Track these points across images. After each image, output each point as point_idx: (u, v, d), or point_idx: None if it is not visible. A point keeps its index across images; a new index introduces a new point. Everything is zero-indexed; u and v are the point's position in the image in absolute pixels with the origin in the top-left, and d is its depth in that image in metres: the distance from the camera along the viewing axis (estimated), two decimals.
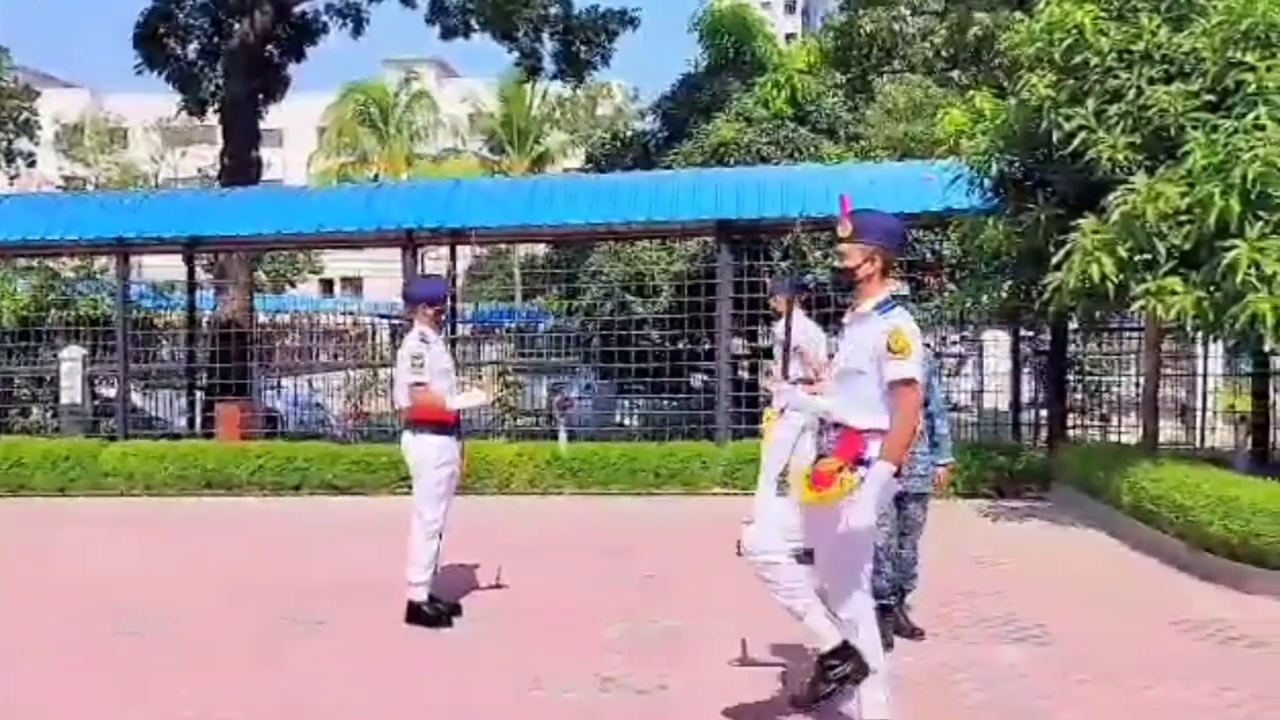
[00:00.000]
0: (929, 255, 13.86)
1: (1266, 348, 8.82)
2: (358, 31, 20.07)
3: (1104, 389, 16.06)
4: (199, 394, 15.61)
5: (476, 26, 19.15)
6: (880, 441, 4.52)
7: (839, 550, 4.67)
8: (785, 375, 5.48)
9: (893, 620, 6.27)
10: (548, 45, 18.78)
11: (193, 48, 19.73)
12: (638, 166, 16.48)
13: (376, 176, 45.36)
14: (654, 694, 5.65)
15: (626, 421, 15.75)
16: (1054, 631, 6.58)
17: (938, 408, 6.48)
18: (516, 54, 18.92)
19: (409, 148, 49.13)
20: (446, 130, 51.62)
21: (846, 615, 4.71)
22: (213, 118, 19.98)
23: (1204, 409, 15.50)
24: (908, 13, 17.95)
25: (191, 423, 15.12)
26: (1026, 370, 14.45)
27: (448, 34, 19.40)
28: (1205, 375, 14.98)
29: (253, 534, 10.46)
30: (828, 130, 15.62)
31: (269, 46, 18.89)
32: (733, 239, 12.67)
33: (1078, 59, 9.61)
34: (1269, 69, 8.71)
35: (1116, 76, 9.41)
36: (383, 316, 37.13)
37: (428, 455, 6.93)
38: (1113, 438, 14.39)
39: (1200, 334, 9.27)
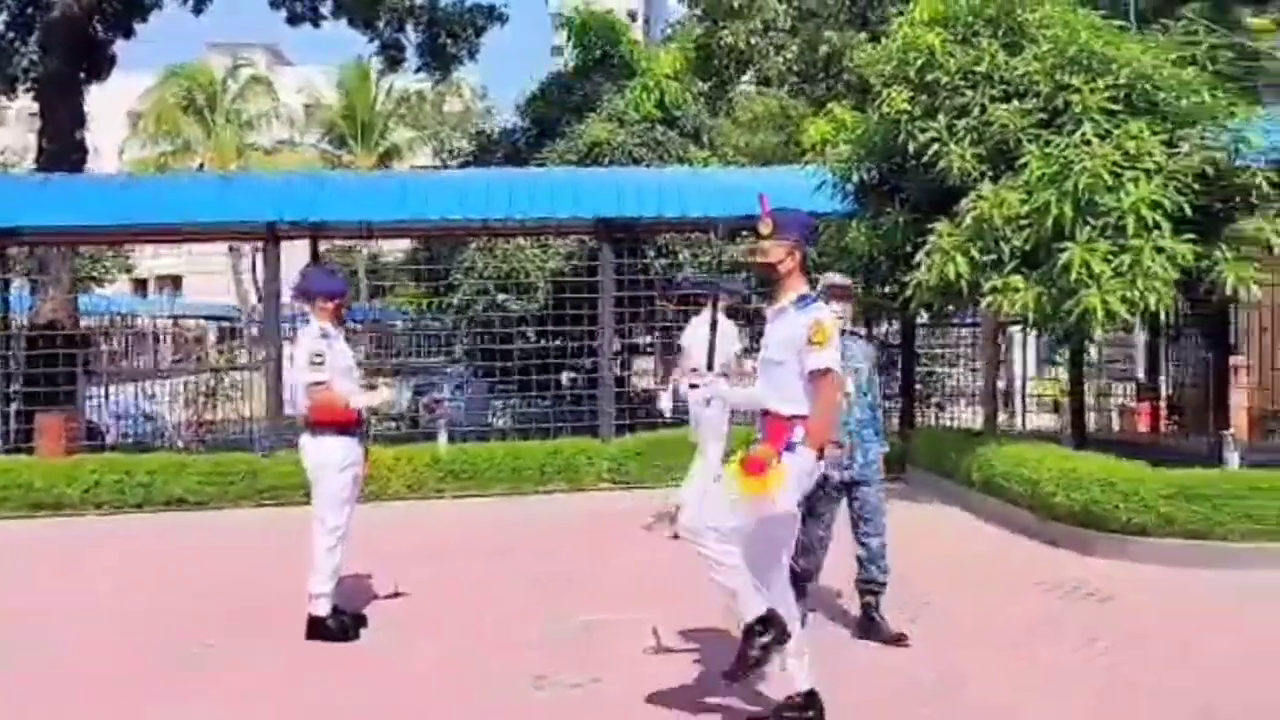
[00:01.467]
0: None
1: (1097, 337, 9.93)
2: (199, 9, 19.08)
3: (938, 380, 17.30)
4: (12, 405, 13.84)
5: (328, 14, 18.64)
6: (803, 427, 4.86)
7: (762, 532, 4.92)
8: (710, 368, 5.58)
9: (876, 628, 6.49)
10: (411, 37, 18.56)
11: (1, 19, 18.15)
12: (508, 164, 16.91)
13: (202, 166, 43.67)
14: (589, 688, 5.76)
15: (500, 422, 15.81)
16: (936, 602, 7.21)
17: (876, 399, 6.72)
18: (377, 44, 18.66)
19: (240, 138, 47.20)
20: (281, 121, 50.04)
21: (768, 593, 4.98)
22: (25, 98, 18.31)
23: (1024, 396, 17.02)
24: (761, 28, 18.88)
25: (5, 436, 13.30)
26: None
27: (294, 19, 18.81)
28: (1025, 366, 16.48)
29: (104, 558, 9.50)
30: (693, 135, 16.45)
31: (94, 20, 17.44)
32: (615, 238, 13.13)
33: (930, 77, 10.61)
34: (1091, 91, 9.84)
35: (963, 94, 10.43)
36: (212, 318, 35.76)
37: (330, 458, 6.61)
38: (947, 423, 15.66)
39: (1035, 326, 10.40)
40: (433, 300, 17.25)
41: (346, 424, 6.72)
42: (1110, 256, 9.29)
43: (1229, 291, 9.65)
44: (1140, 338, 15.34)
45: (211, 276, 48.82)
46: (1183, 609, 7.15)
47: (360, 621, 6.85)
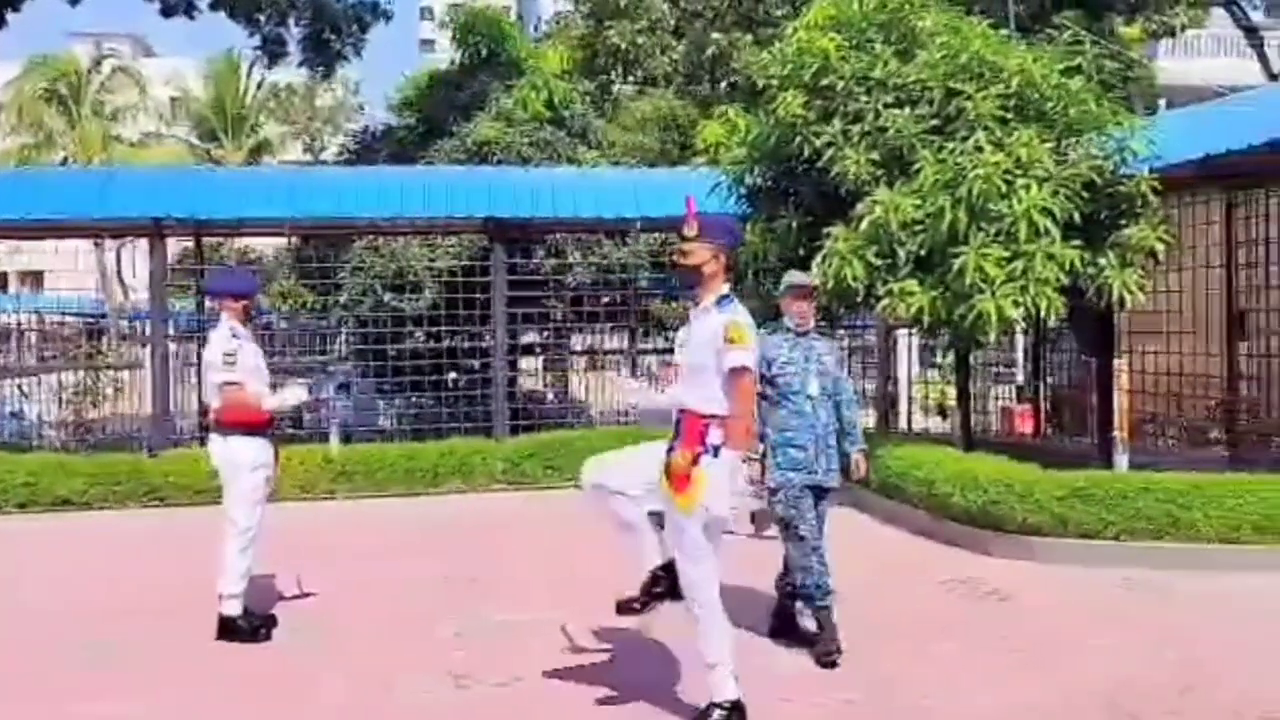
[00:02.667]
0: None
1: (991, 339, 10.10)
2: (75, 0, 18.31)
3: None
4: None
5: (204, 7, 18.18)
6: (722, 430, 4.97)
7: (685, 532, 5.01)
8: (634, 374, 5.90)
9: (795, 631, 6.45)
10: (294, 31, 18.18)
11: None
12: (393, 162, 16.64)
13: (66, 160, 42.32)
14: (513, 686, 5.81)
15: (388, 422, 15.66)
16: (845, 604, 7.26)
17: (847, 398, 6.62)
18: (259, 38, 18.28)
19: (105, 130, 45.83)
20: (148, 113, 48.59)
21: (691, 595, 5.03)
22: None
23: (910, 399, 17.32)
24: (647, 27, 18.86)
25: None
26: None
27: (169, 11, 18.27)
28: (909, 369, 16.76)
29: None
30: (581, 135, 16.34)
31: None
32: (509, 238, 13.06)
33: (824, 82, 10.67)
34: (983, 99, 10.01)
35: (858, 100, 10.49)
36: (79, 315, 34.57)
37: (241, 459, 6.62)
38: None
39: (930, 330, 10.53)
40: (317, 299, 16.82)
41: (258, 424, 6.74)
42: (1003, 262, 9.46)
43: (1115, 297, 9.90)
44: (1019, 341, 15.73)
45: (77, 275, 47.18)
46: (1080, 606, 7.32)
47: (271, 622, 6.81)
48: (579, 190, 13.30)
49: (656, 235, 14.51)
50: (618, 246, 14.51)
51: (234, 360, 6.60)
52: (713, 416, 5.00)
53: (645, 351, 16.93)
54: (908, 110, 10.31)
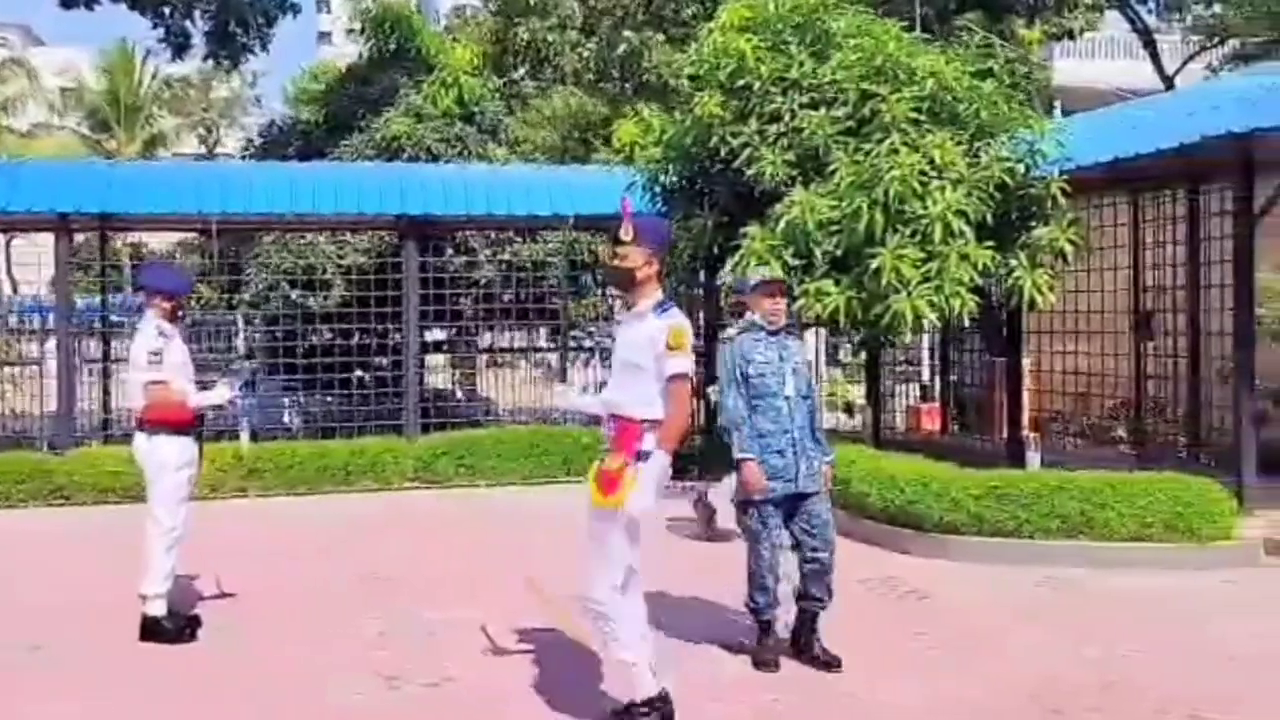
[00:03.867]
0: (587, 255, 14.71)
1: (907, 339, 10.18)
2: None
3: None
4: None
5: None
6: (656, 433, 4.95)
7: (608, 535, 4.98)
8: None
9: (810, 649, 6.15)
10: (199, 24, 17.78)
11: None
12: (301, 157, 16.28)
13: None
14: (445, 686, 5.81)
15: (292, 420, 15.39)
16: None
17: (817, 401, 6.42)
18: (162, 30, 17.83)
19: None
20: (39, 104, 47.11)
21: (598, 598, 4.98)
22: None
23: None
24: (557, 24, 18.72)
25: None
26: None
27: (69, 3, 17.78)
28: (817, 368, 16.88)
29: None
30: (491, 132, 16.14)
31: None
32: (424, 235, 12.89)
33: (741, 82, 10.66)
34: (898, 101, 10.07)
35: (774, 100, 10.48)
36: None
37: (167, 458, 6.60)
38: None
39: (845, 330, 10.57)
40: (221, 295, 16.46)
41: (183, 423, 6.71)
42: (919, 263, 9.52)
43: (1026, 298, 10.04)
44: (924, 340, 15.93)
45: None
46: (999, 604, 7.40)
47: (195, 623, 6.77)
48: (493, 187, 13.14)
49: (568, 233, 14.44)
50: (528, 244, 14.37)
51: (160, 358, 6.54)
52: (646, 421, 4.97)
53: (554, 350, 16.82)
54: (823, 111, 10.32)
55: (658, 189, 11.66)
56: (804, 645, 6.18)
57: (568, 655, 6.20)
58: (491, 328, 15.69)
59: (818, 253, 9.91)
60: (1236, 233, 9.74)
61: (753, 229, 10.18)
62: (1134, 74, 26.87)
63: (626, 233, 5.11)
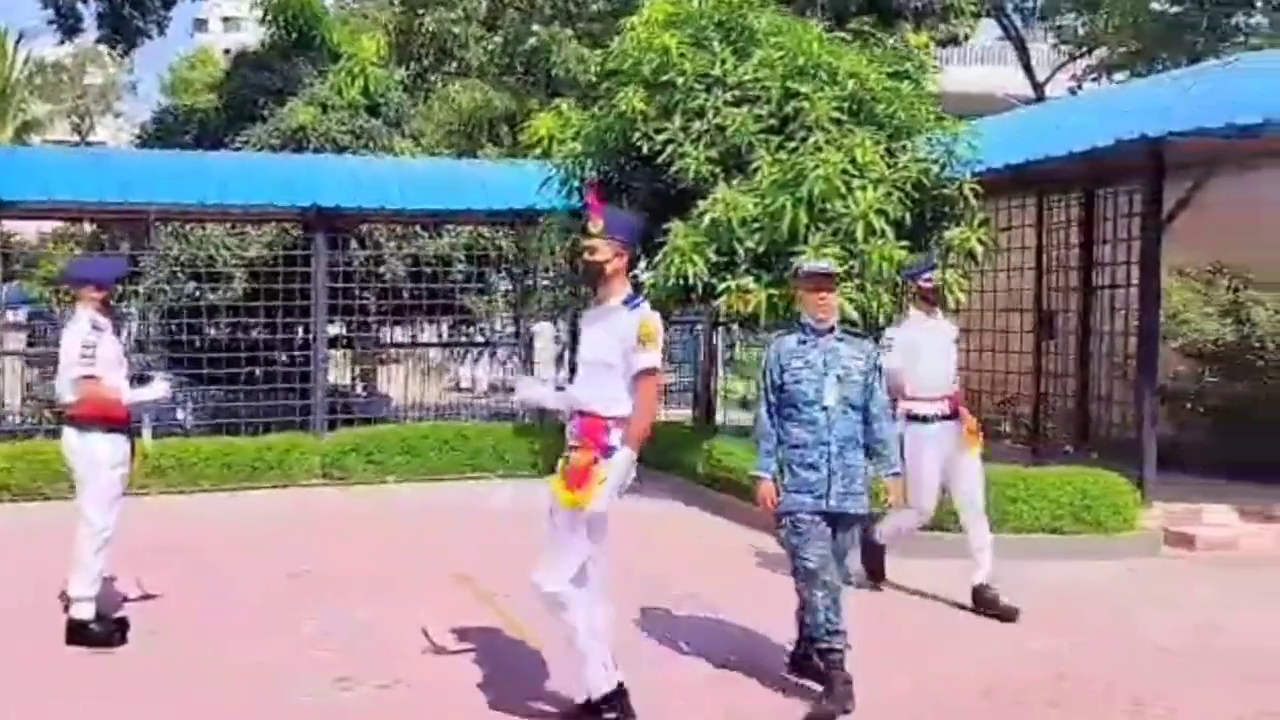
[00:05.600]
0: (491, 250, 14.63)
1: None
2: None
3: None
4: None
5: None
6: (622, 430, 4.92)
7: (570, 530, 4.94)
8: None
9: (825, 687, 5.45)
10: (92, 5, 17.13)
11: None
12: (198, 145, 15.81)
13: None
14: (396, 689, 5.71)
15: (188, 416, 14.94)
16: (700, 591, 7.35)
17: (878, 410, 5.62)
18: (52, 11, 17.14)
19: None
20: None
21: (550, 589, 4.91)
22: None
23: (718, 392, 17.60)
24: (463, 16, 18.53)
25: None
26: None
27: None
28: (720, 364, 17.03)
29: None
30: (397, 124, 15.90)
31: None
32: (334, 227, 12.67)
33: (665, 78, 10.69)
34: (821, 100, 10.24)
35: (698, 97, 10.56)
36: None
37: (100, 456, 6.38)
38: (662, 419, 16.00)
39: (768, 327, 10.66)
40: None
41: (116, 420, 6.49)
42: (841, 261, 9.66)
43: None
44: None
45: None
46: (931, 597, 7.52)
47: (124, 625, 6.51)
48: (407, 181, 12.97)
49: (472, 229, 14.35)
50: (433, 239, 14.21)
51: (92, 353, 6.30)
52: (613, 418, 4.94)
53: (454, 345, 16.69)
54: (746, 109, 10.43)
55: (575, 184, 11.62)
56: (805, 668, 5.79)
57: (512, 653, 6.15)
58: (396, 323, 15.43)
59: (740, 250, 10.01)
60: (1145, 235, 10.08)
61: (676, 225, 10.22)
62: (1007, 80, 27.70)
63: (595, 225, 5.07)
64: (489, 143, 17.55)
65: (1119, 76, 24.04)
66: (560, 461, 5.07)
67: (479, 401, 17.86)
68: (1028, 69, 27.07)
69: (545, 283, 13.99)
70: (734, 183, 10.22)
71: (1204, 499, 9.70)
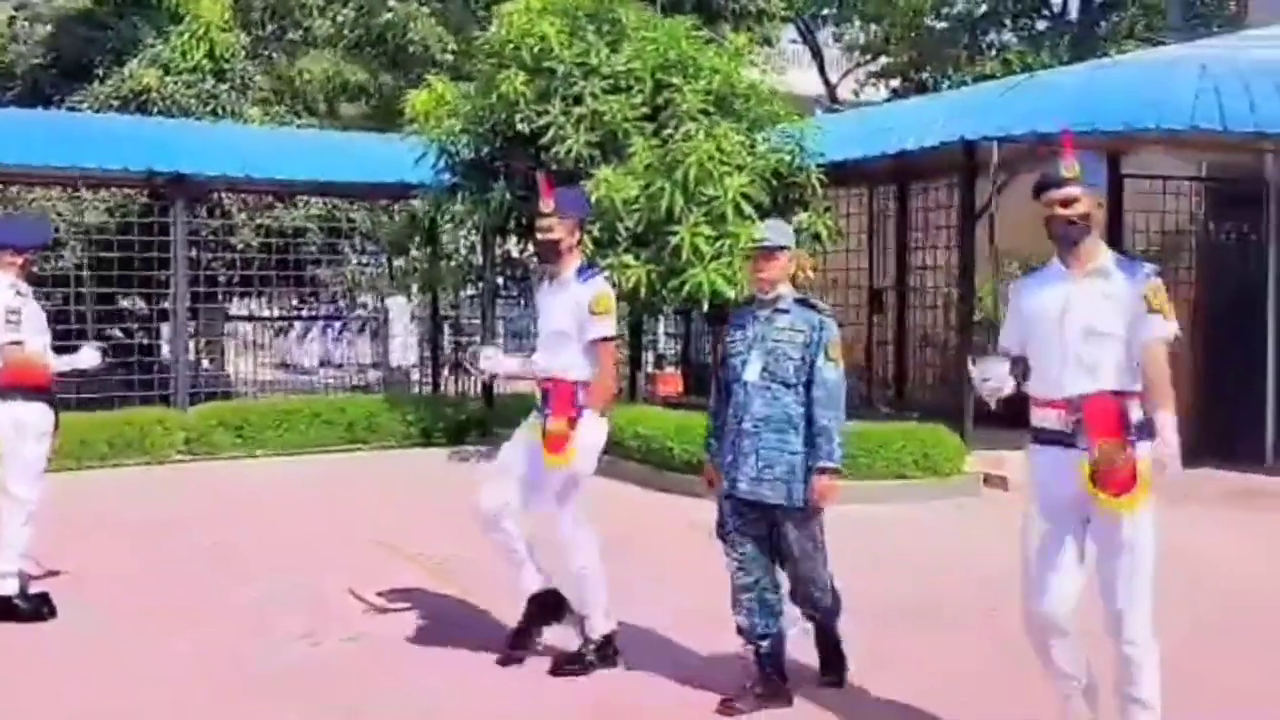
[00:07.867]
0: (346, 224, 14.86)
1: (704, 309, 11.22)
2: None
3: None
4: None
5: None
6: (585, 390, 5.25)
7: (559, 484, 5.28)
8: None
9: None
10: None
11: None
12: (25, 104, 15.19)
13: None
14: (364, 640, 5.83)
15: None
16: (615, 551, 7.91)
17: (823, 393, 4.82)
18: None
19: None
20: None
21: (564, 532, 5.29)
22: None
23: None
24: None
25: None
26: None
27: None
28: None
29: None
30: (243, 90, 15.75)
31: None
32: (192, 196, 12.58)
33: (545, 64, 11.34)
34: (690, 92, 11.14)
35: (576, 83, 11.25)
36: None
37: (26, 423, 6.17)
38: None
39: (647, 302, 11.49)
40: None
41: (40, 387, 6.32)
42: (711, 240, 10.63)
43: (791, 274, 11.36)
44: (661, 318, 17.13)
45: None
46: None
47: (47, 600, 6.31)
48: (280, 150, 13.01)
49: (326, 201, 14.51)
50: (288, 209, 14.30)
51: (18, 318, 6.10)
52: (579, 382, 5.27)
53: (316, 318, 16.71)
54: (623, 98, 11.21)
55: (451, 161, 12.10)
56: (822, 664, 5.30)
57: (453, 606, 6.35)
58: (245, 295, 15.35)
59: (621, 229, 10.82)
60: (961, 225, 11.53)
61: None
62: (801, 81, 29.50)
63: (548, 205, 5.37)
64: (347, 114, 17.53)
65: (894, 83, 26.34)
66: (536, 423, 5.37)
67: (303, 378, 17.71)
68: (822, 71, 28.95)
69: (415, 255, 14.29)
70: (611, 166, 10.99)
71: (1006, 448, 11.14)
